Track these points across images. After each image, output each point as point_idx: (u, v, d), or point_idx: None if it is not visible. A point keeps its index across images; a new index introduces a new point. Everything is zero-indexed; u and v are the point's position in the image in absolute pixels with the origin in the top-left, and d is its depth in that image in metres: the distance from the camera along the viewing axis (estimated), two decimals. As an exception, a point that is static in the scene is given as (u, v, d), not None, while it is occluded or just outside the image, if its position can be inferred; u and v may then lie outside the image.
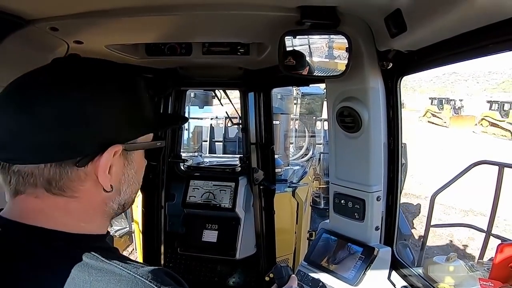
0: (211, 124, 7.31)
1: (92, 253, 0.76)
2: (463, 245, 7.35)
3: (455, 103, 34.21)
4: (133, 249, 4.77)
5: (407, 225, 6.06)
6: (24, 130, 0.74)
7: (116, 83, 0.85)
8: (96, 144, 0.78)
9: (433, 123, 32.55)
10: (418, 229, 7.58)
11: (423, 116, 34.62)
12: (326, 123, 8.19)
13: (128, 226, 5.10)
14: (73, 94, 0.77)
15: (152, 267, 0.79)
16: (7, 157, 0.76)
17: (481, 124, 27.69)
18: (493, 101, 29.83)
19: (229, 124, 3.37)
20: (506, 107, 26.83)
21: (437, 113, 33.44)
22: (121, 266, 0.76)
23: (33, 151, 0.75)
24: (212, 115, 7.14)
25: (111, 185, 0.82)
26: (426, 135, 20.29)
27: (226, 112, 3.37)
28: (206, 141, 6.78)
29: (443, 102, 34.25)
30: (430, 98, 37.43)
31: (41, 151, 0.75)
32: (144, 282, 0.74)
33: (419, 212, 8.61)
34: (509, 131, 24.27)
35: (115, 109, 0.81)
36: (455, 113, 32.67)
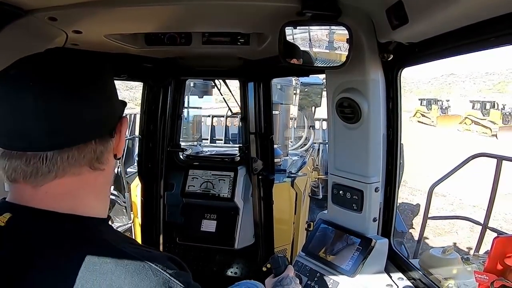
0: (212, 122, 7.32)
1: (102, 236, 0.82)
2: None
3: (442, 104, 36.27)
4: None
5: (402, 221, 6.11)
6: (76, 113, 0.80)
7: (107, 68, 0.95)
8: (117, 116, 0.92)
9: (422, 122, 34.14)
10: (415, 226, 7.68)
11: (413, 116, 36.11)
12: (324, 122, 8.24)
13: (130, 221, 5.10)
14: (99, 77, 0.89)
15: (158, 252, 0.87)
16: (59, 142, 0.79)
17: (465, 123, 29.75)
18: (475, 100, 32.71)
19: (229, 113, 3.35)
20: (488, 106, 29.36)
21: (426, 113, 35.43)
22: (129, 250, 0.80)
23: (84, 130, 0.82)
24: (212, 112, 7.18)
25: None
26: (415, 134, 20.84)
27: (224, 99, 3.35)
28: (207, 139, 6.80)
29: (432, 103, 36.18)
30: (419, 99, 39.22)
31: (90, 130, 0.84)
32: (150, 266, 0.78)
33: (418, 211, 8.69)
34: (489, 128, 26.35)
35: (114, 88, 0.94)
36: (442, 113, 34.66)
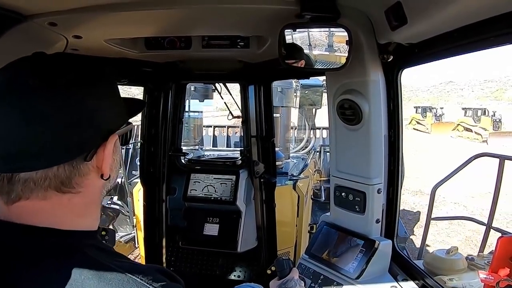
0: (214, 133, 7.32)
1: (85, 250, 0.77)
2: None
3: (436, 111, 37.49)
4: (138, 255, 4.79)
5: (403, 226, 6.10)
6: (34, 139, 0.73)
7: (102, 75, 0.85)
8: (100, 136, 0.81)
9: (417, 129, 34.76)
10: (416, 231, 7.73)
11: (409, 123, 36.64)
12: (325, 131, 8.27)
13: (134, 231, 5.09)
14: (73, 94, 0.77)
15: (145, 265, 0.82)
16: (16, 167, 0.74)
17: (457, 129, 30.46)
18: (467, 108, 33.55)
19: (230, 117, 3.35)
20: (479, 113, 30.79)
21: (421, 120, 36.28)
22: (113, 264, 0.76)
23: (45, 156, 0.74)
24: (214, 122, 7.19)
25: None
26: (411, 141, 21.65)
27: (225, 103, 3.35)
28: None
29: (426, 110, 37.50)
30: (414, 107, 40.48)
31: (54, 154, 0.75)
32: (135, 280, 0.75)
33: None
34: (480, 135, 27.09)
35: (108, 100, 0.84)
36: (436, 120, 35.61)
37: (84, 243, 0.79)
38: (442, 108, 40.11)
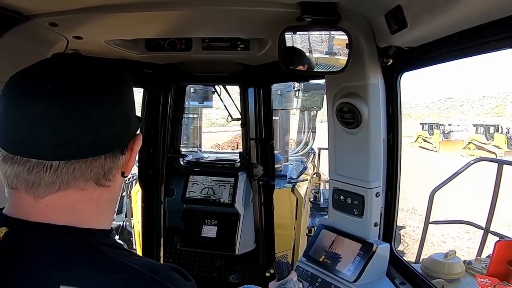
0: None
1: (102, 249, 0.78)
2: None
3: (444, 128, 34.81)
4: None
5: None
6: (89, 125, 0.77)
7: (128, 79, 0.91)
8: (131, 132, 0.88)
9: (424, 148, 32.77)
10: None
11: (415, 141, 34.76)
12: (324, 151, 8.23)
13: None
14: (120, 88, 0.86)
15: (160, 264, 0.83)
16: (66, 153, 0.76)
17: (469, 148, 28.48)
18: (479, 124, 31.34)
19: (229, 120, 3.35)
20: (492, 130, 28.59)
21: (428, 138, 33.81)
22: (130, 262, 0.77)
23: (96, 144, 0.78)
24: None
25: None
26: (417, 161, 20.60)
27: (225, 106, 3.35)
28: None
29: (433, 127, 34.81)
30: (421, 124, 37.84)
31: (102, 144, 0.80)
32: (152, 278, 0.76)
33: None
34: (495, 153, 24.96)
35: (132, 101, 0.90)
36: (444, 137, 33.08)
37: (100, 241, 0.81)
38: (450, 124, 37.46)
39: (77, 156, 0.77)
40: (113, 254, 0.78)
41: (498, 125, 29.75)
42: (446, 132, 34.14)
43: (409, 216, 10.68)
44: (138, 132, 0.92)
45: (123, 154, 0.85)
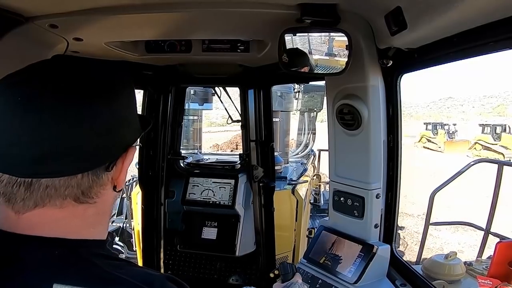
0: None
1: (94, 261, 0.75)
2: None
3: (449, 128, 34.08)
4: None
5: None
6: (63, 141, 0.71)
7: (129, 84, 0.86)
8: (122, 147, 0.81)
9: (428, 148, 32.17)
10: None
11: (419, 141, 34.18)
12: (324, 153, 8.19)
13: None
14: (106, 102, 0.77)
15: (155, 274, 0.79)
16: (41, 171, 0.72)
17: (475, 148, 27.96)
18: (485, 124, 30.10)
19: (229, 121, 3.34)
20: (498, 130, 27.57)
21: (432, 138, 33.15)
22: (123, 274, 0.74)
23: (73, 161, 0.73)
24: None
25: None
26: (422, 161, 20.32)
27: (226, 108, 3.35)
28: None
29: (438, 127, 34.07)
30: (424, 123, 37.10)
31: (81, 161, 0.74)
32: None
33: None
34: (502, 154, 24.51)
35: (132, 111, 0.85)
36: (449, 137, 32.51)
37: (93, 252, 0.77)
38: (455, 124, 35.94)
39: (49, 175, 0.72)
40: (107, 266, 0.74)
41: (505, 124, 28.63)
42: (451, 132, 33.55)
43: (420, 222, 9.66)
44: (140, 135, 0.88)
45: (108, 171, 0.79)
